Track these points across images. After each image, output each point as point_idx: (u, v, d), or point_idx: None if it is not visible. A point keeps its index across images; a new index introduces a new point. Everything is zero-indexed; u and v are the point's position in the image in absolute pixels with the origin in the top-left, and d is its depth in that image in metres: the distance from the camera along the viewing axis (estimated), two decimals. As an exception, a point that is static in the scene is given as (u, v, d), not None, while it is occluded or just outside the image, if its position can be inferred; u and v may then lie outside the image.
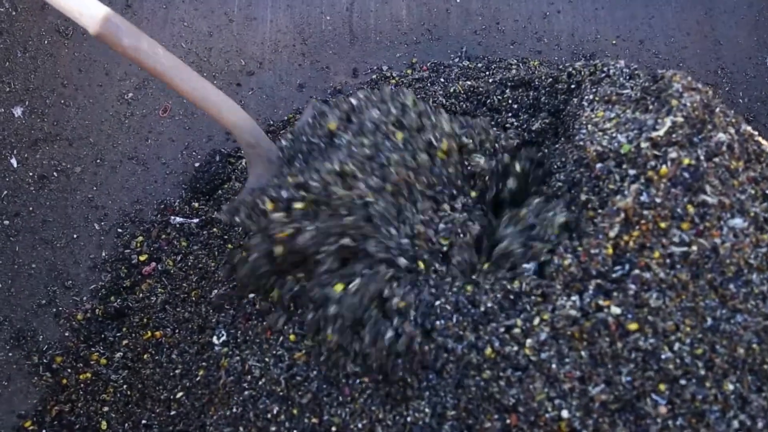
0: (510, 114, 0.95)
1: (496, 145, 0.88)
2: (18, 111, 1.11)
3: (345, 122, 0.86)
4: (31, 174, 1.08)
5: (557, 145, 0.89)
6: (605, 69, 0.90)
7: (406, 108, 0.85)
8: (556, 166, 0.86)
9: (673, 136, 0.76)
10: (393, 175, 0.80)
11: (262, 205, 0.79)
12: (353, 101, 0.87)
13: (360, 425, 0.77)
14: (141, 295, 0.99)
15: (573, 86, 0.93)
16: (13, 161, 1.08)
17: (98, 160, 1.11)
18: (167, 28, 1.19)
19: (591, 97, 0.86)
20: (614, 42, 1.24)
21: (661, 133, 0.76)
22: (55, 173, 1.09)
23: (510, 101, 0.96)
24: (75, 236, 1.06)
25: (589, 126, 0.81)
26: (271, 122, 1.16)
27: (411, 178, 0.81)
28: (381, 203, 0.79)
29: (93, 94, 1.14)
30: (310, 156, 0.86)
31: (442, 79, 1.14)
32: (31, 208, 1.06)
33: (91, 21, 0.78)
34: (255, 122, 0.86)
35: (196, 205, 1.07)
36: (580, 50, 1.23)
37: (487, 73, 1.14)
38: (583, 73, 0.92)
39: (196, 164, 1.12)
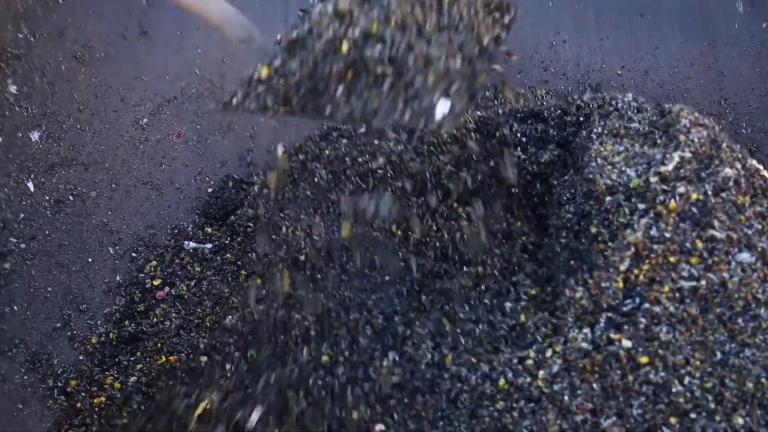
0: (519, 147, 0.97)
1: None
2: (35, 135, 1.13)
3: None
4: (47, 198, 1.10)
5: (566, 177, 0.91)
6: (613, 102, 0.92)
7: None
8: (565, 198, 0.87)
9: (681, 171, 0.78)
10: (396, 10, 0.72)
11: (254, 73, 0.75)
12: None
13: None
14: (155, 319, 1.01)
15: (582, 119, 0.95)
16: (30, 185, 1.10)
17: (113, 185, 1.13)
18: (181, 54, 1.22)
19: (600, 130, 0.88)
20: (619, 72, 1.27)
21: (669, 168, 0.78)
22: (71, 197, 1.11)
23: (519, 134, 0.98)
24: (90, 260, 1.08)
25: (599, 159, 0.83)
26: (283, 148, 1.17)
27: (417, 14, 0.73)
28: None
29: (108, 120, 1.16)
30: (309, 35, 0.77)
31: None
32: (47, 232, 1.08)
33: None
34: (244, 15, 0.82)
35: (209, 230, 1.09)
36: (585, 79, 1.26)
37: (496, 101, 1.16)
38: (591, 106, 0.94)
39: (209, 190, 1.14)
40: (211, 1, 0.80)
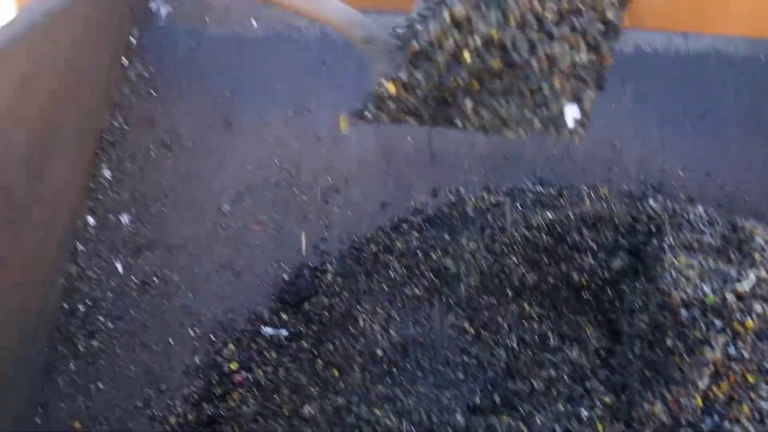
0: (590, 254, 1.01)
1: None
2: (125, 218, 1.20)
3: None
4: (134, 279, 1.16)
5: (638, 285, 0.94)
6: (684, 214, 0.96)
7: None
8: (637, 306, 0.90)
9: (758, 289, 0.81)
10: (514, 7, 0.71)
11: (381, 88, 0.76)
12: None
13: None
14: (232, 404, 1.05)
15: (653, 228, 0.98)
16: (119, 266, 1.16)
17: (195, 269, 1.19)
18: (263, 145, 1.29)
19: (672, 241, 0.91)
20: (681, 173, 1.30)
21: (745, 287, 0.81)
22: (155, 279, 1.17)
23: (589, 240, 1.02)
24: (171, 341, 1.13)
25: (673, 272, 0.87)
26: (355, 238, 1.23)
27: (536, 6, 0.72)
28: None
29: (193, 205, 1.23)
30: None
31: (518, 205, 1.20)
32: (132, 312, 1.14)
33: None
34: (364, 16, 0.84)
35: (285, 317, 1.14)
36: (648, 179, 1.30)
37: (561, 200, 1.20)
38: (662, 216, 0.98)
39: (285, 277, 1.19)
40: (332, 5, 0.83)
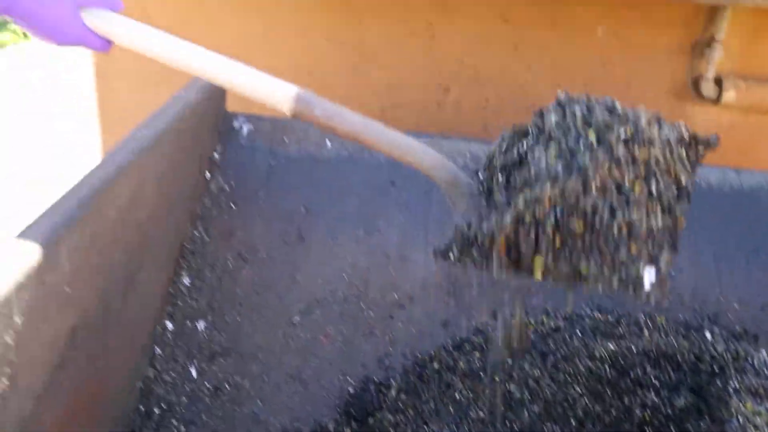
0: (652, 390, 1.04)
1: None
2: (201, 325, 1.27)
3: (534, 137, 0.85)
4: (207, 385, 1.22)
5: (702, 424, 0.96)
6: (749, 359, 0.99)
7: (591, 106, 0.83)
8: (703, 448, 0.93)
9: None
10: (595, 176, 0.77)
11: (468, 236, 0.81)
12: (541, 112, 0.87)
13: None
14: None
15: (716, 369, 1.02)
16: (194, 371, 1.22)
17: (265, 377, 1.24)
18: (333, 261, 1.36)
19: (737, 385, 0.95)
20: (736, 306, 1.34)
21: (813, 440, 0.83)
22: (227, 385, 1.22)
23: (652, 377, 1.05)
24: (239, 449, 1.17)
25: (740, 417, 0.90)
26: (418, 354, 1.28)
27: (615, 174, 0.77)
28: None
29: (266, 316, 1.30)
30: (508, 185, 0.86)
31: (578, 331, 1.25)
32: (204, 417, 1.19)
33: (285, 100, 0.89)
34: (449, 161, 0.92)
35: (349, 431, 1.17)
36: (704, 310, 1.33)
37: (620, 328, 1.24)
38: (725, 357, 1.01)
39: (351, 390, 1.24)
40: (422, 150, 0.92)
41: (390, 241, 1.38)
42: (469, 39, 1.76)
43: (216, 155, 1.45)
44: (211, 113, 1.44)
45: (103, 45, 0.96)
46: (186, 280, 1.31)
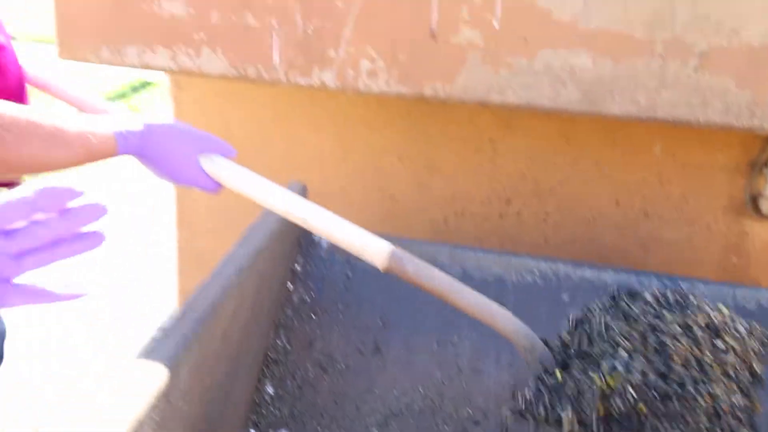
0: None
1: None
2: (283, 434, 1.32)
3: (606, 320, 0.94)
4: (289, 495, 1.26)
5: None
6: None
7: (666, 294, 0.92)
8: None
9: None
10: (674, 352, 0.83)
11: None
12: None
13: None
14: None
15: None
16: (277, 481, 1.27)
17: (344, 489, 1.28)
18: (408, 373, 1.42)
19: None
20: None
21: None
22: (308, 497, 1.26)
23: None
24: None
25: None
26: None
27: (696, 351, 0.83)
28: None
29: (344, 426, 1.35)
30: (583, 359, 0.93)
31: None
32: None
33: (379, 257, 0.96)
34: (528, 328, 0.99)
35: None
36: (777, 433, 1.34)
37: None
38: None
39: (428, 505, 1.26)
40: (504, 316, 0.99)
41: (463, 354, 1.43)
42: (531, 154, 1.85)
43: (297, 267, 1.54)
44: (295, 227, 1.54)
45: (215, 187, 1.07)
46: (269, 389, 1.38)
